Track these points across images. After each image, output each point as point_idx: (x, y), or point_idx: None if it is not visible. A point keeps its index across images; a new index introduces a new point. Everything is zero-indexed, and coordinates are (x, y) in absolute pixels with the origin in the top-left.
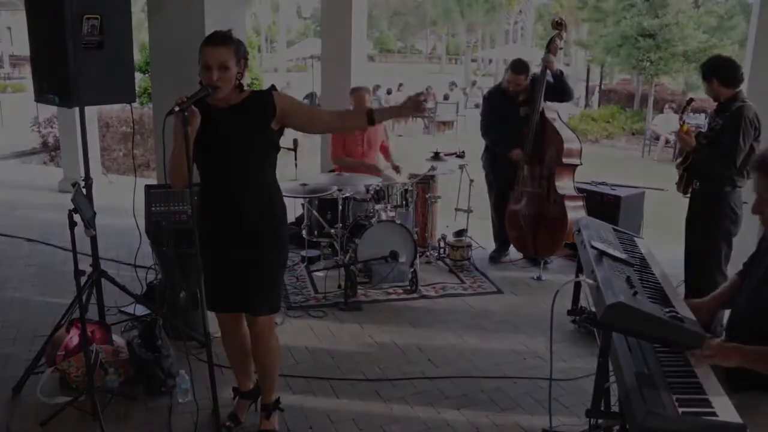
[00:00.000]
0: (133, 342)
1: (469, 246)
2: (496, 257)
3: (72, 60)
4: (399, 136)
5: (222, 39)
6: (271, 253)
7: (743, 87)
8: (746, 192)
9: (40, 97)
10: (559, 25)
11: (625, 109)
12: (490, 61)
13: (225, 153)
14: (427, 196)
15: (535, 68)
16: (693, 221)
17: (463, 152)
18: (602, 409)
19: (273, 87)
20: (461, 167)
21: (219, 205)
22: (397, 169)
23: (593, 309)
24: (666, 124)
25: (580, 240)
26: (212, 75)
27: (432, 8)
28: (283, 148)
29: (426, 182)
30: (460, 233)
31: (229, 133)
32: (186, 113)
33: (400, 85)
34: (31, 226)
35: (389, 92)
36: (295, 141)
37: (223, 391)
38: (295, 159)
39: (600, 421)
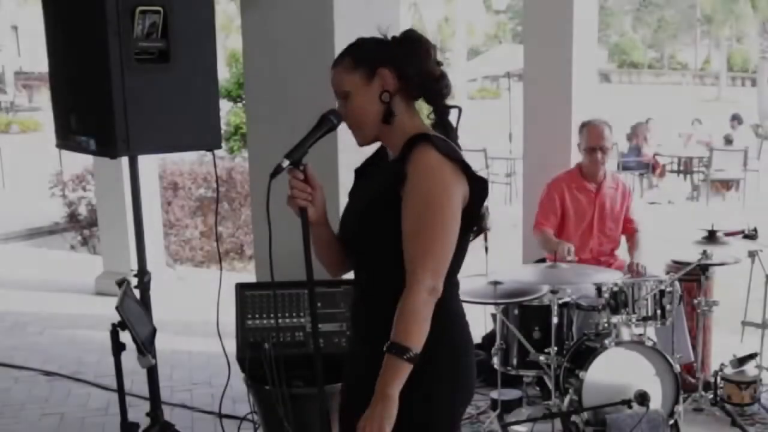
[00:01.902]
0: None
1: (761, 381)
2: None
3: (118, 81)
4: (650, 203)
5: (338, 58)
6: (432, 401)
7: None
8: None
9: (65, 140)
10: None
11: None
12: None
13: (354, 233)
14: (696, 301)
15: None
16: None
17: (755, 230)
18: None
19: (424, 137)
20: (753, 254)
21: (355, 313)
22: (634, 270)
23: None
24: None
25: None
26: (338, 105)
27: None
28: None
29: (695, 279)
30: (747, 360)
31: (358, 201)
32: (302, 168)
33: (648, 120)
34: (52, 351)
35: (631, 133)
36: (484, 210)
37: None
38: (485, 240)
39: None
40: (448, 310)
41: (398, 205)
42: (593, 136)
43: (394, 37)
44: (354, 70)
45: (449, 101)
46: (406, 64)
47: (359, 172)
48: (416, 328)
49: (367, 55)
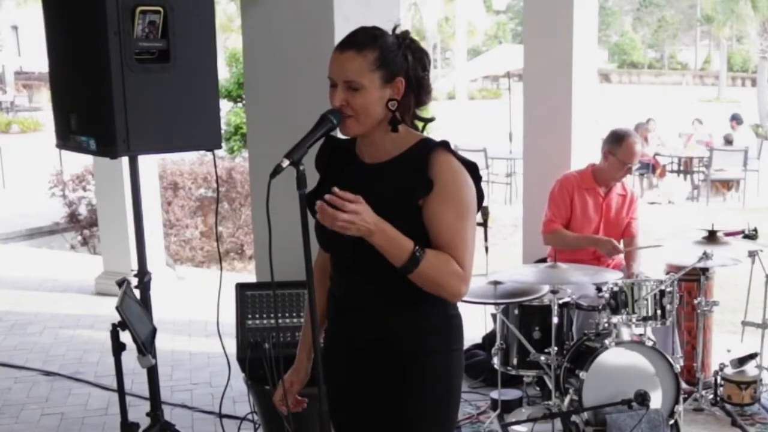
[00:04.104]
0: None
1: (761, 381)
2: None
3: (118, 81)
4: (650, 203)
5: (353, 40)
6: (423, 399)
7: None
8: None
9: (65, 140)
10: None
11: None
12: None
13: (350, 238)
14: (696, 301)
15: None
16: None
17: (755, 230)
18: None
19: (443, 144)
20: (753, 254)
21: (343, 312)
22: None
23: None
24: None
25: None
26: (335, 96)
27: None
28: None
29: (695, 279)
30: (747, 360)
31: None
32: (302, 168)
33: (649, 120)
34: (52, 351)
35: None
36: (485, 210)
37: None
38: (486, 240)
39: None
40: (449, 305)
41: (415, 210)
42: (632, 153)
43: (407, 43)
44: (375, 70)
45: (423, 112)
46: (414, 77)
47: (326, 171)
48: (433, 279)
49: (392, 59)
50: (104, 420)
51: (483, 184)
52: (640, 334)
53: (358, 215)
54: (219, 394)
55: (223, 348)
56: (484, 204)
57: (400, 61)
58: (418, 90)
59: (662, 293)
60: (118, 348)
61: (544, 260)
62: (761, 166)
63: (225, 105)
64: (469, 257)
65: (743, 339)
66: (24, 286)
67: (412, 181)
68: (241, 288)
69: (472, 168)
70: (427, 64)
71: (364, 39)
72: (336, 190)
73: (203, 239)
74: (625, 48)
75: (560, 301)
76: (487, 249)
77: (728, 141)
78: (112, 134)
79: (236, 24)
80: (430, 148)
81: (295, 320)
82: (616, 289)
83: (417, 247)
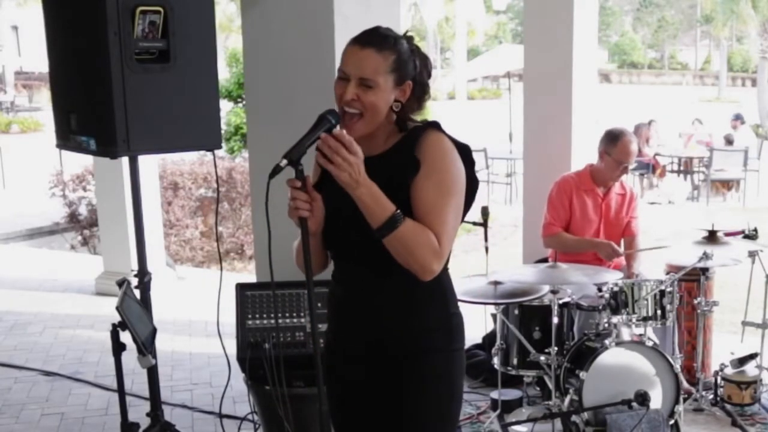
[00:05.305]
0: None
1: (761, 381)
2: None
3: (118, 81)
4: (650, 203)
5: (374, 39)
6: (425, 399)
7: None
8: None
9: (65, 140)
10: None
11: None
12: None
13: (352, 227)
14: (696, 301)
15: None
16: None
17: (756, 230)
18: None
19: (433, 124)
20: (753, 254)
21: (344, 311)
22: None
23: None
24: None
25: None
26: (346, 90)
27: None
28: (466, 222)
29: (695, 279)
30: (747, 360)
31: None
32: (300, 167)
33: (651, 121)
34: (52, 351)
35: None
36: (485, 210)
37: None
38: (486, 240)
39: None
40: (446, 291)
41: (408, 193)
42: (628, 152)
43: (414, 50)
44: (391, 72)
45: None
46: (420, 82)
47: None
48: (407, 247)
49: (406, 63)
50: (104, 420)
51: (483, 185)
52: (640, 334)
53: (356, 160)
54: (219, 394)
55: (223, 348)
56: (484, 204)
57: (412, 66)
58: (421, 95)
59: (662, 293)
60: (118, 348)
61: (544, 260)
62: (761, 166)
63: (225, 105)
64: (447, 236)
65: (743, 339)
66: (24, 286)
67: (402, 164)
68: (241, 288)
69: (463, 150)
70: (431, 71)
71: (385, 40)
72: (345, 133)
73: (203, 239)
74: (625, 48)
75: (560, 301)
76: (487, 249)
77: (728, 141)
78: (112, 134)
79: (236, 24)
80: (421, 129)
81: (295, 320)
82: (616, 289)
83: (398, 211)
